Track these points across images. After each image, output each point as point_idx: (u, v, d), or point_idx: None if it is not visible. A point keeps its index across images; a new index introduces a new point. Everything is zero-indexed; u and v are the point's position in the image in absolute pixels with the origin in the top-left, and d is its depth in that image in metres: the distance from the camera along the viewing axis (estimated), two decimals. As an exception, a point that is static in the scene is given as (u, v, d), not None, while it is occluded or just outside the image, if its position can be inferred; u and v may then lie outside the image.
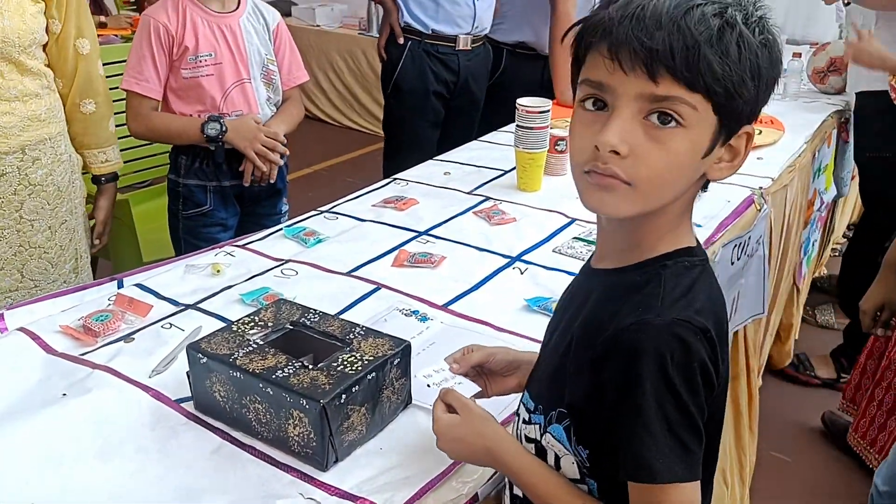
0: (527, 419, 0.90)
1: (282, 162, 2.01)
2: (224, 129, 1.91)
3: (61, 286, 1.76)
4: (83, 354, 1.24)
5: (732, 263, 1.79)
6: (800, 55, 3.07)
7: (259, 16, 2.04)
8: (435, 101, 2.77)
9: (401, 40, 2.69)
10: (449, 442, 0.93)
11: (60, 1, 1.72)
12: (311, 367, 1.02)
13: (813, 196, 2.64)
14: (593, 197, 0.76)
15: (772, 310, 2.37)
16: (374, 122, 5.27)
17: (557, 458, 0.85)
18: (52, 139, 1.75)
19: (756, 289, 2.00)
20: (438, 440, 0.94)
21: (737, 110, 0.74)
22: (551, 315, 1.35)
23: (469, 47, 2.74)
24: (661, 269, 0.79)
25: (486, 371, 1.04)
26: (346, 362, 1.02)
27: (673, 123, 0.72)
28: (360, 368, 1.01)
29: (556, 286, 1.49)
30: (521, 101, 1.93)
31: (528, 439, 0.89)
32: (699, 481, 0.75)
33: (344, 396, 0.98)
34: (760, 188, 1.96)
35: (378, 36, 2.80)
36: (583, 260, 1.59)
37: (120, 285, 1.49)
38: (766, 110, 0.87)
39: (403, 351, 1.08)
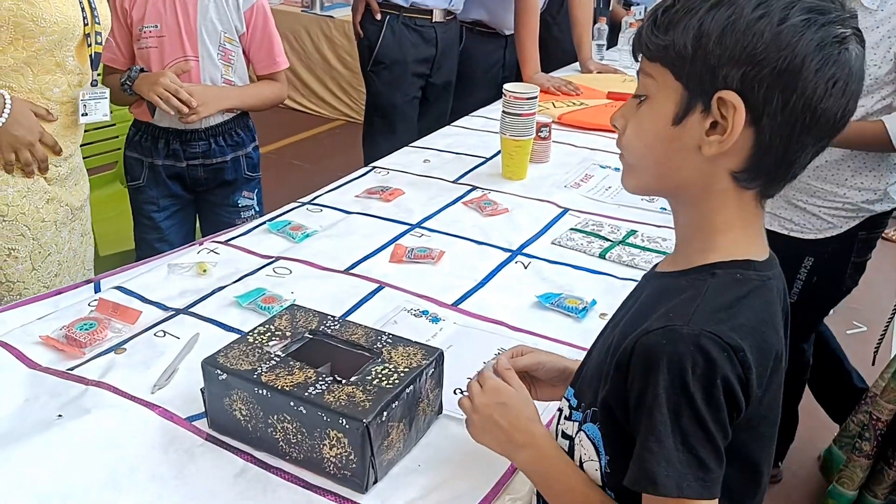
0: (567, 415, 0.86)
1: (186, 109, 1.81)
2: (134, 77, 1.84)
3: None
4: (71, 369, 1.13)
5: None
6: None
7: None
8: (415, 77, 2.72)
9: (378, 16, 2.64)
10: (486, 419, 0.88)
11: None
12: (344, 381, 0.94)
13: None
14: None
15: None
16: (319, 103, 5.11)
17: (581, 463, 0.82)
18: None
19: None
20: (477, 407, 0.89)
21: (695, 71, 0.71)
22: (568, 312, 1.33)
23: (444, 20, 2.70)
24: (708, 277, 0.76)
25: (532, 377, 0.99)
26: (380, 375, 0.95)
27: (644, 97, 0.77)
28: (396, 382, 0.94)
29: (562, 281, 1.44)
30: (507, 86, 1.87)
31: (565, 435, 0.86)
32: (716, 501, 0.71)
33: (385, 413, 0.91)
34: None
35: (352, 13, 2.74)
36: (584, 252, 1.57)
37: (97, 289, 1.37)
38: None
39: (437, 360, 1.01)
